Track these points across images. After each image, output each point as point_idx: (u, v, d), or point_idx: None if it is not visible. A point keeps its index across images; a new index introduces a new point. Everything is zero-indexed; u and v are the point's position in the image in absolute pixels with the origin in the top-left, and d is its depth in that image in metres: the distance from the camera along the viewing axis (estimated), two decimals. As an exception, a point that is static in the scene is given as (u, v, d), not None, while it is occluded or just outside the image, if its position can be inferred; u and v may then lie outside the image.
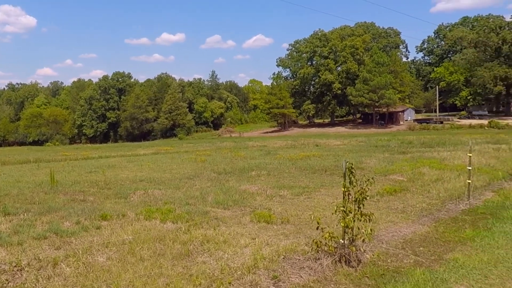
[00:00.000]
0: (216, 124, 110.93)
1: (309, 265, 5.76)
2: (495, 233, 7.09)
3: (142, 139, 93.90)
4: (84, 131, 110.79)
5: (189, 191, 11.67)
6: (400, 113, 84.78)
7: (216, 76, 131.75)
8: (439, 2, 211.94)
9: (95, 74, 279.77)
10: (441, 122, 74.56)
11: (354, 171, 5.99)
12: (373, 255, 6.15)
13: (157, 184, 13.10)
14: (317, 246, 5.90)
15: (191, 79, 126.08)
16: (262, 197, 10.54)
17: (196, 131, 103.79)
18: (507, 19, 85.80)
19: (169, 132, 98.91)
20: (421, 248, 6.52)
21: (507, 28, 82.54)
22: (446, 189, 10.83)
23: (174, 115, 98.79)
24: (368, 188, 6.07)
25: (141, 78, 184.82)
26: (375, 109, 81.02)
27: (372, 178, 6.40)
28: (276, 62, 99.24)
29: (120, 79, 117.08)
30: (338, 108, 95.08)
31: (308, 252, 6.08)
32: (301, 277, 5.47)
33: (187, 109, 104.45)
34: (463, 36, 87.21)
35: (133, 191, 11.69)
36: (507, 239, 6.77)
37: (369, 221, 6.04)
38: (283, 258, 5.98)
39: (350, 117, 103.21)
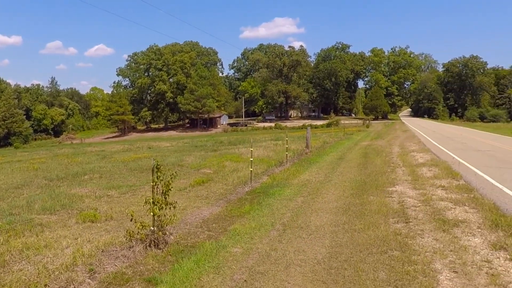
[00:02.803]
0: (56, 131, 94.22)
1: (123, 254, 5.52)
2: (263, 206, 8.05)
3: (-31, 149, 72.40)
4: None
5: (14, 201, 9.65)
6: (217, 118, 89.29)
7: (56, 82, 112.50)
8: (245, 31, 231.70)
9: None
10: (246, 125, 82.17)
11: (160, 168, 5.88)
12: (177, 236, 6.26)
13: (-24, 198, 10.41)
14: (130, 236, 5.70)
15: (28, 85, 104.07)
16: (91, 199, 9.51)
17: (35, 139, 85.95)
18: (286, 48, 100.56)
19: (3, 141, 78.98)
20: (213, 225, 6.92)
21: (286, 55, 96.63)
22: (239, 177, 11.56)
23: (8, 123, 79.30)
24: (172, 181, 6.02)
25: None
26: (199, 115, 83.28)
27: (175, 172, 6.40)
28: (117, 71, 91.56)
29: None
30: (170, 114, 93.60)
31: (124, 243, 5.88)
32: (116, 265, 5.24)
33: (24, 116, 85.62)
34: (259, 58, 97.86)
35: None
36: (269, 209, 7.86)
37: (174, 208, 6.06)
38: (102, 251, 5.56)
39: (181, 122, 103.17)
